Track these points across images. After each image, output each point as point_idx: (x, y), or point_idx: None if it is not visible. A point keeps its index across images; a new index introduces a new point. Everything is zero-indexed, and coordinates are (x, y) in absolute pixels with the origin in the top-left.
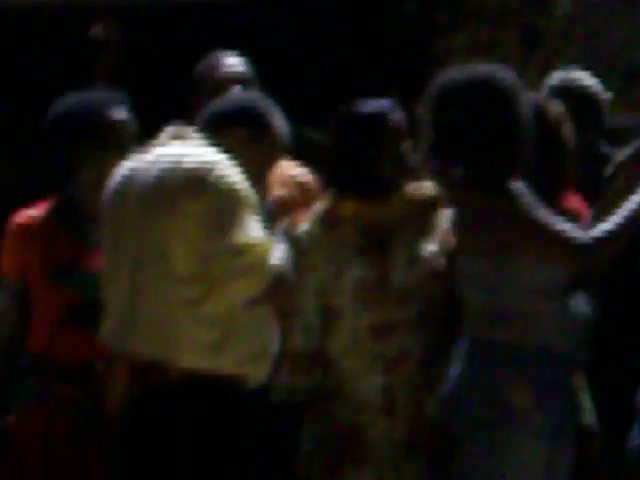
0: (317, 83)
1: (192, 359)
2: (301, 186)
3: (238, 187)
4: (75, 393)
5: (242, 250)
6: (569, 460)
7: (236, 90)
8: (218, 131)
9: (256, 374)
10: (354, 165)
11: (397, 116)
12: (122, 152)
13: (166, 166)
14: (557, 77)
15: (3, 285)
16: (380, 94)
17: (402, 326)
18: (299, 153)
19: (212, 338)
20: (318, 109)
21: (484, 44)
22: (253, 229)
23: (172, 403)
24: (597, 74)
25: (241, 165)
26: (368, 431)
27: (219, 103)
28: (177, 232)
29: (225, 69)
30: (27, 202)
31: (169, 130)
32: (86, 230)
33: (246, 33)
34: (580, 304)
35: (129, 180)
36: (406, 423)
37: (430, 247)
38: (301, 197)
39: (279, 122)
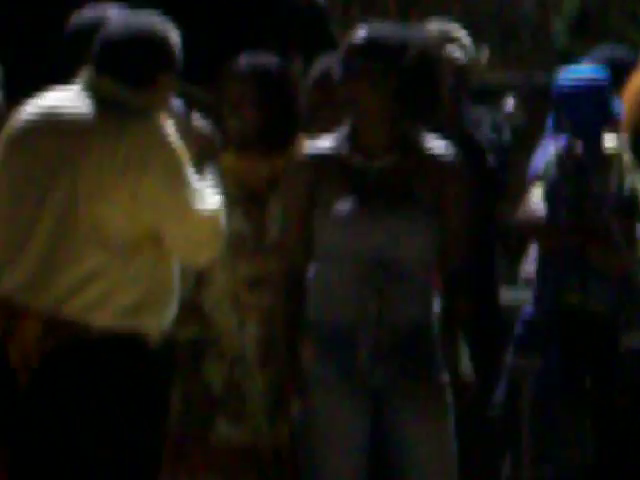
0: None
1: (109, 320)
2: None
3: (174, 144)
4: None
5: (200, 221)
6: None
7: None
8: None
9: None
10: (240, 119)
11: (291, 71)
12: None
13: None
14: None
15: None
16: (257, 47)
17: (276, 279)
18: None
19: (131, 300)
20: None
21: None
22: (200, 191)
23: (89, 358)
24: (475, 31)
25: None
26: (243, 385)
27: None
28: (113, 202)
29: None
30: None
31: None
32: None
33: None
34: None
35: (36, 124)
36: (280, 375)
37: None
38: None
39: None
